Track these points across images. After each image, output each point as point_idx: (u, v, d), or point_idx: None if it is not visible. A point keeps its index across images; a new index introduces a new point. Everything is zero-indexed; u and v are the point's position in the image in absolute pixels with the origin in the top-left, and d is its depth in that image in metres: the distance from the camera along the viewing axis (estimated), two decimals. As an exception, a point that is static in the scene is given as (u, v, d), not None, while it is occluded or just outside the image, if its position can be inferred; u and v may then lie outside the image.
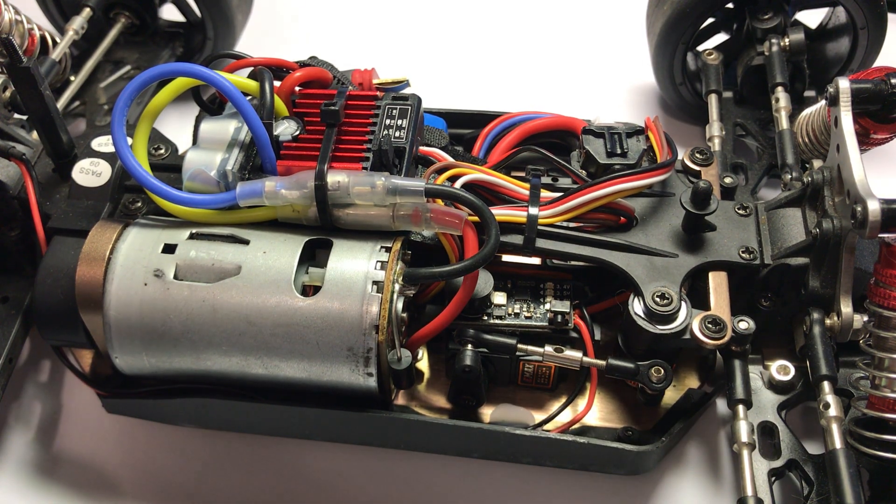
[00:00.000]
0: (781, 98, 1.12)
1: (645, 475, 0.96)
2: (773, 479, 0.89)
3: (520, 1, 1.56)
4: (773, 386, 0.95)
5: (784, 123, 1.10)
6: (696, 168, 0.99)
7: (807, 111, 1.10)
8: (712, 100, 1.19)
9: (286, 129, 0.89)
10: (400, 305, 0.84)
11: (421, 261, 0.88)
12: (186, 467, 0.98)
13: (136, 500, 0.96)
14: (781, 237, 0.94)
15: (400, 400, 0.97)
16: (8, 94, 1.08)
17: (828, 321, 0.91)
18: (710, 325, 0.86)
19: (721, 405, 1.00)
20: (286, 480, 0.97)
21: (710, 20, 1.24)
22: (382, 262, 0.84)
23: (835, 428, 0.85)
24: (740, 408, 0.89)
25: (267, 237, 0.86)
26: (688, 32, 1.19)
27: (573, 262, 0.96)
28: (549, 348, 0.90)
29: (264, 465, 0.98)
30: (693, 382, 0.97)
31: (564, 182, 0.97)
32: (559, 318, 0.91)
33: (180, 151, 1.03)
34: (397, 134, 0.89)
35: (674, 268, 0.90)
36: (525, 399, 0.97)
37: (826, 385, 0.88)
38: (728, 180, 0.99)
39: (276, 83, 0.92)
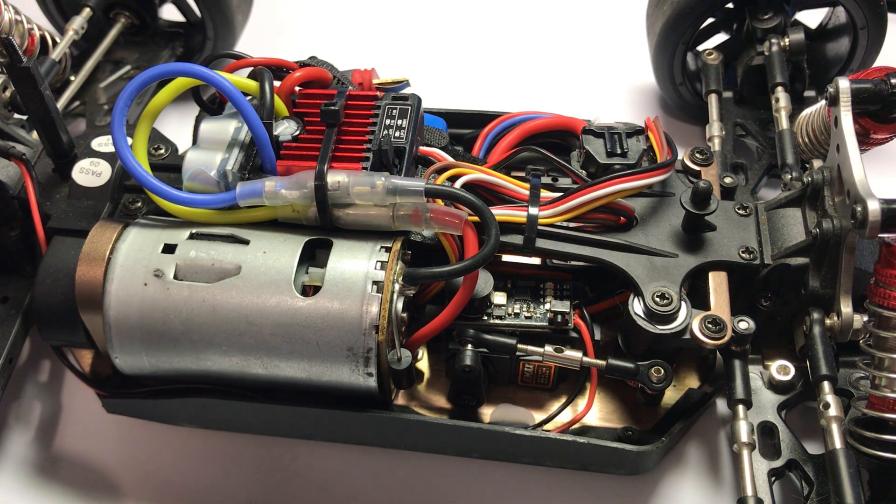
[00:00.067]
0: (781, 98, 1.12)
1: (645, 475, 0.96)
2: (773, 479, 0.89)
3: (520, 1, 1.56)
4: (773, 386, 0.95)
5: (784, 123, 1.10)
6: (696, 168, 0.99)
7: (807, 111, 1.10)
8: (712, 100, 1.19)
9: (286, 129, 0.89)
10: (400, 305, 0.84)
11: (421, 261, 0.88)
12: (186, 467, 0.98)
13: (136, 500, 0.96)
14: (781, 237, 0.94)
15: (400, 400, 0.97)
16: (8, 94, 1.08)
17: (828, 321, 0.91)
18: (710, 325, 0.86)
19: (721, 405, 1.00)
20: (286, 480, 0.97)
21: (710, 20, 1.24)
22: (382, 262, 0.83)
23: (835, 428, 0.85)
24: (740, 408, 0.89)
25: (267, 237, 0.86)
26: (688, 32, 1.19)
27: (573, 262, 0.96)
28: (549, 348, 0.90)
29: (264, 465, 0.98)
30: (693, 382, 0.97)
31: (564, 182, 0.97)
32: (559, 318, 0.91)
33: (180, 151, 1.03)
34: (397, 134, 0.89)
35: (674, 268, 0.90)
36: (525, 399, 0.97)
37: (826, 385, 0.88)
38: (728, 180, 0.99)
39: (276, 83, 0.92)
